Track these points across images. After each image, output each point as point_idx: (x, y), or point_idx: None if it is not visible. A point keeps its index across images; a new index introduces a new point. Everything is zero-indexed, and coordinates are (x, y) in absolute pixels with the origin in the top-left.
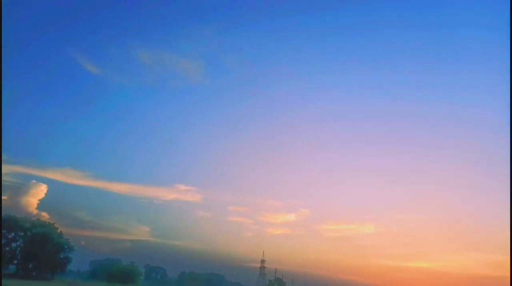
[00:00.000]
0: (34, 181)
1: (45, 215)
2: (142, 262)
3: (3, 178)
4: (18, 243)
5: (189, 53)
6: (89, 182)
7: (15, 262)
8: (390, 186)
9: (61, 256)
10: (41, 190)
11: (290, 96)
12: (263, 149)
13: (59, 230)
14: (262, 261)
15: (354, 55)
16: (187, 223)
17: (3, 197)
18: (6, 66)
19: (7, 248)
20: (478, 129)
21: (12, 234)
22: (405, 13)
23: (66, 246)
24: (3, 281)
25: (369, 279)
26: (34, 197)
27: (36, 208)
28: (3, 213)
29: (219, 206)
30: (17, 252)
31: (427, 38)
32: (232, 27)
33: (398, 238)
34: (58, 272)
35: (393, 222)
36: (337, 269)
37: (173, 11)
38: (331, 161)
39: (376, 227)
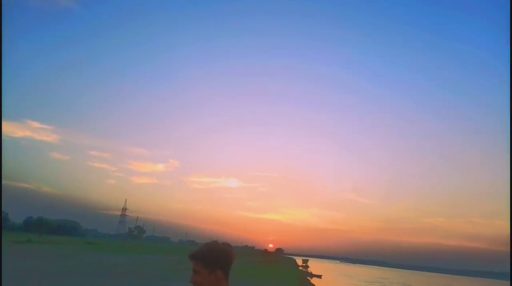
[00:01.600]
0: None
1: None
2: None
3: None
4: None
5: None
6: None
7: None
8: (252, 144)
9: None
10: None
11: (167, 41)
12: (134, 94)
13: None
14: (124, 209)
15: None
16: (38, 165)
17: None
18: None
19: None
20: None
21: None
22: None
23: None
24: None
25: (231, 229)
26: None
27: None
28: None
29: (79, 149)
30: None
31: None
32: None
33: (256, 193)
34: None
35: (253, 178)
36: (202, 219)
37: None
38: (202, 116)
39: (239, 181)
